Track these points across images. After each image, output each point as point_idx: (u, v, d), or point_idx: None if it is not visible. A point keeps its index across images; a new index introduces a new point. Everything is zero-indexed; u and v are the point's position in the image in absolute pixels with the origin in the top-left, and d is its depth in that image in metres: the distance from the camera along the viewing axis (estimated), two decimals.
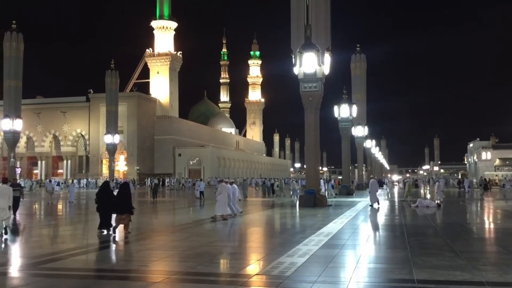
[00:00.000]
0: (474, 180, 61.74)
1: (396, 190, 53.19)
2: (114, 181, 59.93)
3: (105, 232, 14.73)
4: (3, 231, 13.95)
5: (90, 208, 29.83)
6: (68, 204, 30.26)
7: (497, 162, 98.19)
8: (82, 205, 32.32)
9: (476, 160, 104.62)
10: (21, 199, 21.00)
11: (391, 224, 18.06)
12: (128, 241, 13.51)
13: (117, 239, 13.83)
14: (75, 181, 63.51)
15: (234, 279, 8.39)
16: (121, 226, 14.60)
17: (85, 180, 73.83)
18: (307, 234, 14.12)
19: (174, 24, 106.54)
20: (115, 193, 16.30)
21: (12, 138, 52.01)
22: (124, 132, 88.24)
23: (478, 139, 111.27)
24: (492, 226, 18.38)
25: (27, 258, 10.85)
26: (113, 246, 12.92)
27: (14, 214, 19.93)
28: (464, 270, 8.96)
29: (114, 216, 14.84)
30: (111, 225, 14.82)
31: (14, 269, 9.69)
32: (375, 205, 25.85)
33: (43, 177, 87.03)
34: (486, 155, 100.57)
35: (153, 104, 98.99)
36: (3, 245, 12.91)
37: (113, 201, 15.12)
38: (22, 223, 18.75)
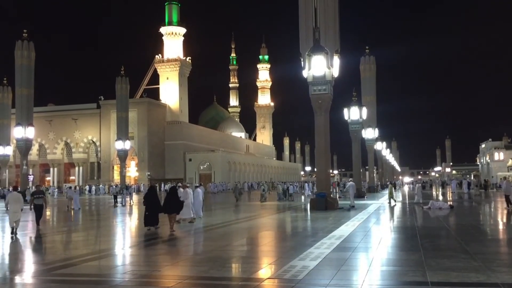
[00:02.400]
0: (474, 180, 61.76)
1: (406, 191, 52.89)
2: (127, 186, 60.15)
3: (151, 228, 16.78)
4: (15, 233, 15.79)
5: (102, 215, 30.00)
6: (73, 212, 29.62)
7: (510, 162, 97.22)
8: (87, 211, 32.44)
9: (489, 160, 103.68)
10: (44, 208, 19.25)
11: (404, 226, 17.93)
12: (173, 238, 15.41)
13: (176, 234, 15.95)
14: (77, 188, 63.72)
15: (246, 283, 8.38)
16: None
17: (87, 186, 73.83)
18: (318, 237, 14.06)
19: (183, 30, 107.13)
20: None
21: (25, 145, 52.55)
22: (135, 138, 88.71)
23: (490, 139, 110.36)
24: (505, 227, 18.16)
25: (41, 264, 10.94)
26: (126, 251, 12.97)
27: (38, 223, 18.77)
28: (478, 271, 8.86)
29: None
30: (157, 223, 16.96)
31: (28, 275, 9.76)
32: (352, 205, 27.78)
33: (55, 184, 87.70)
34: (499, 155, 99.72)
35: (163, 110, 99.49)
36: (14, 241, 14.17)
37: (158, 202, 17.41)
38: (43, 229, 18.78)
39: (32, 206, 18.85)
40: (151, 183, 66.42)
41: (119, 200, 37.69)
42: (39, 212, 18.79)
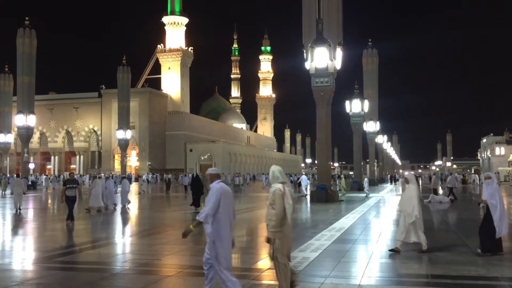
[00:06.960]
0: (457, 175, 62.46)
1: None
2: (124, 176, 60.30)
3: (195, 208, 20.21)
4: (19, 209, 20.27)
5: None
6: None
7: (511, 157, 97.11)
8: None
9: (490, 155, 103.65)
10: (77, 201, 16.81)
11: None
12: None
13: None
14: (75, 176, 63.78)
15: (246, 273, 8.39)
16: None
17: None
18: (319, 229, 14.10)
19: (185, 20, 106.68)
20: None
21: (26, 133, 52.54)
22: (136, 127, 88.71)
23: (491, 134, 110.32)
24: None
25: (42, 252, 10.97)
26: (127, 240, 13.00)
27: (67, 217, 16.20)
28: (478, 265, 8.88)
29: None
30: (199, 205, 20.46)
31: (29, 262, 9.79)
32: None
33: (56, 173, 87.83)
34: (500, 150, 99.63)
35: (164, 100, 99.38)
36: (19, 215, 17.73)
37: (203, 188, 21.25)
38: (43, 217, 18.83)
39: (64, 198, 16.13)
40: (151, 171, 67.20)
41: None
42: (70, 205, 16.05)
